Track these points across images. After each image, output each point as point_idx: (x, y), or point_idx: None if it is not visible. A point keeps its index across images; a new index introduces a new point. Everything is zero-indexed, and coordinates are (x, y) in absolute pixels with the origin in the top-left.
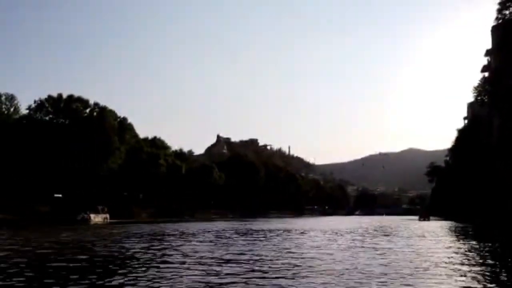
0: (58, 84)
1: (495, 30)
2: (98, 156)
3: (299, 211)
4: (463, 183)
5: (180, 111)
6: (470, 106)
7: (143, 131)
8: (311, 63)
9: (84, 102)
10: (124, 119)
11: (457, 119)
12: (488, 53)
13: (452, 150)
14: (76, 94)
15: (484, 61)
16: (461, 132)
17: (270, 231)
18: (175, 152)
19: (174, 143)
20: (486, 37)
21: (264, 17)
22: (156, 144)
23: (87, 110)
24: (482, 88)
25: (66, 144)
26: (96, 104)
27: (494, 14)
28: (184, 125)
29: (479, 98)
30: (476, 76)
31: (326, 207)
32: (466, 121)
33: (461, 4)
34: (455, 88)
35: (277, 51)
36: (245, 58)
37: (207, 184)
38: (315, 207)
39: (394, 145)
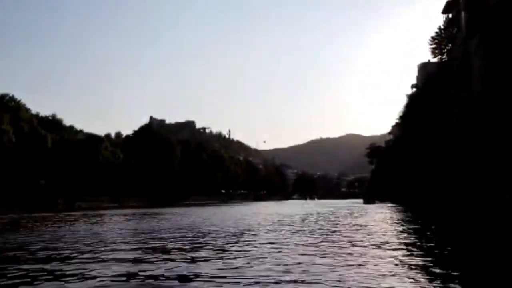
0: None
1: None
2: None
3: (227, 196)
4: (410, 158)
5: (115, 92)
6: (422, 67)
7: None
8: (256, 50)
9: None
10: None
11: (396, 106)
12: None
13: (399, 124)
14: None
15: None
16: (412, 97)
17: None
18: (41, 118)
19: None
20: None
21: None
22: (7, 104)
23: None
24: (445, 33)
25: None
26: None
27: None
28: (119, 107)
29: (437, 51)
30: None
31: (264, 192)
32: (414, 89)
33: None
34: (396, 74)
35: (221, 36)
36: (188, 39)
37: (96, 163)
38: (251, 192)
39: (334, 131)
